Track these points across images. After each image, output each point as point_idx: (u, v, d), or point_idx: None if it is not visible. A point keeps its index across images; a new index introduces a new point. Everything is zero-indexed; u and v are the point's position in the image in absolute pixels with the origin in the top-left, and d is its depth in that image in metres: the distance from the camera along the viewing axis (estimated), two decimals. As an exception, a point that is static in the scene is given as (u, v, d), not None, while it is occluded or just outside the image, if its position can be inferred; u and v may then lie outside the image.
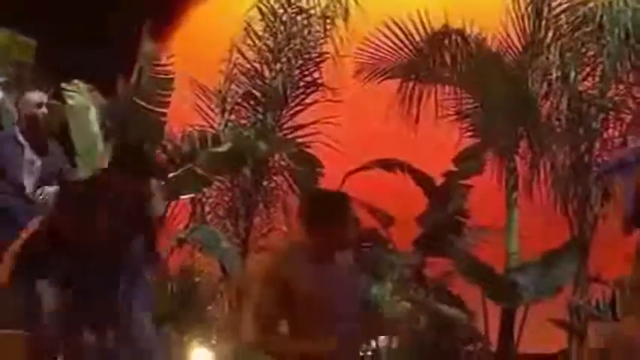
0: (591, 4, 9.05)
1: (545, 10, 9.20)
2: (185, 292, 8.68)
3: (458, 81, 8.73)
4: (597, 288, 8.92)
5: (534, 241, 9.05)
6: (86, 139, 9.09)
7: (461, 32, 8.69)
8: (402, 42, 9.21)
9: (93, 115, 9.18)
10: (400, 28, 9.17)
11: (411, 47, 9.17)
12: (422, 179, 9.64)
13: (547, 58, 9.04)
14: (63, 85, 9.20)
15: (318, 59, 9.30)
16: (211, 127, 9.47)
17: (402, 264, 9.33)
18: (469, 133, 9.32)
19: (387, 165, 9.78)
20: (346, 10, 9.00)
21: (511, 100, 8.56)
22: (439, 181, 9.38)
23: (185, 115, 9.39)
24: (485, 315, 8.77)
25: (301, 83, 9.41)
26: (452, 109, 9.28)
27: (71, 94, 9.20)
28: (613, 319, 8.43)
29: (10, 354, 5.99)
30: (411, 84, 9.00)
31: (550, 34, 9.16)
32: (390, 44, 9.26)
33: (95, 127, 9.15)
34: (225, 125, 9.37)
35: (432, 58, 8.64)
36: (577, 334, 8.77)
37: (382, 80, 9.32)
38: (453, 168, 9.38)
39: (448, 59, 8.62)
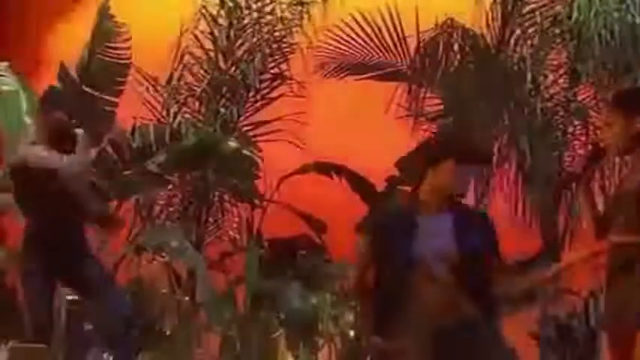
0: (558, 7, 8.80)
1: (512, 8, 8.87)
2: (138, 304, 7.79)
3: (441, 79, 8.23)
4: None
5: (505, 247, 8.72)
6: (13, 127, 8.17)
7: (463, 27, 8.23)
8: (369, 37, 8.69)
9: (22, 100, 8.22)
10: (368, 24, 8.66)
11: (378, 43, 8.67)
12: (360, 184, 9.25)
13: (514, 60, 8.72)
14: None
15: (287, 50, 8.59)
16: (159, 120, 8.61)
17: (342, 275, 8.93)
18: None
19: (323, 168, 9.37)
20: (325, -1, 8.29)
21: (500, 96, 8.14)
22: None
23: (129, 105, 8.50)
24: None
25: (266, 75, 8.68)
26: (421, 109, 8.80)
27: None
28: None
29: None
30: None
31: (517, 33, 8.84)
32: (358, 39, 8.72)
33: (24, 114, 8.20)
34: (176, 118, 8.50)
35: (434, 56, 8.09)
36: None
37: (345, 76, 8.77)
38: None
39: (453, 55, 8.10)
